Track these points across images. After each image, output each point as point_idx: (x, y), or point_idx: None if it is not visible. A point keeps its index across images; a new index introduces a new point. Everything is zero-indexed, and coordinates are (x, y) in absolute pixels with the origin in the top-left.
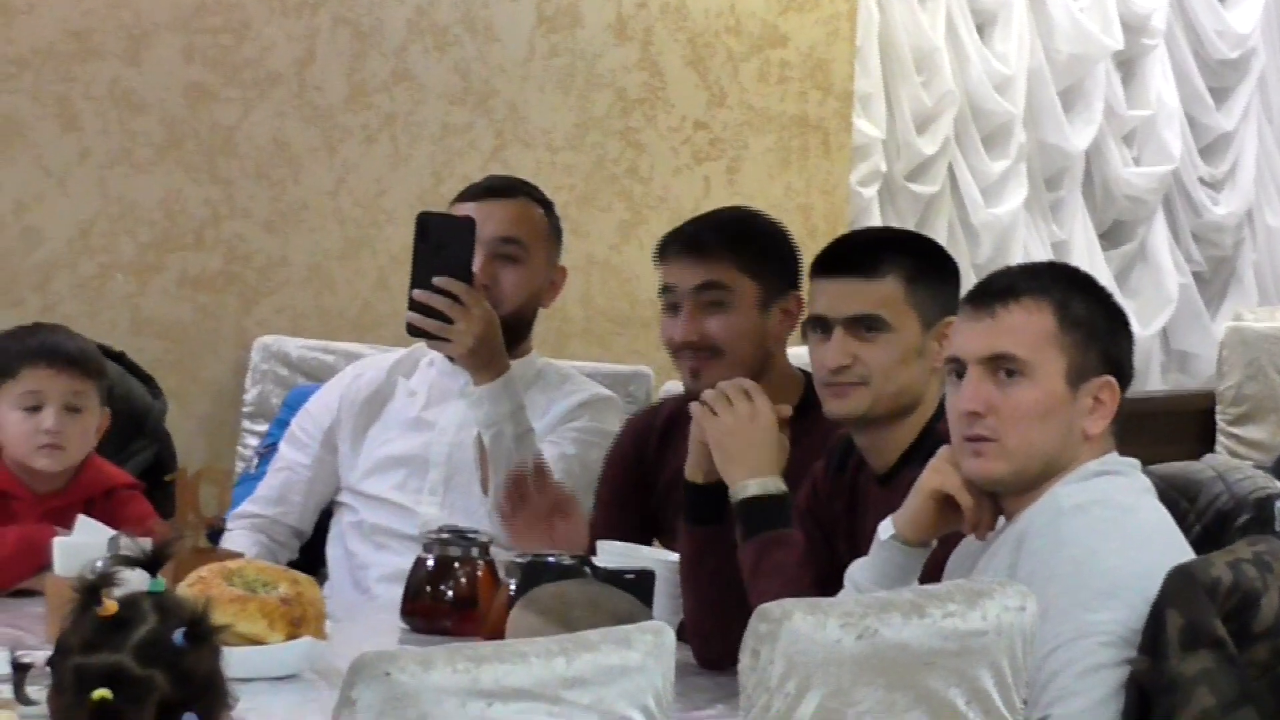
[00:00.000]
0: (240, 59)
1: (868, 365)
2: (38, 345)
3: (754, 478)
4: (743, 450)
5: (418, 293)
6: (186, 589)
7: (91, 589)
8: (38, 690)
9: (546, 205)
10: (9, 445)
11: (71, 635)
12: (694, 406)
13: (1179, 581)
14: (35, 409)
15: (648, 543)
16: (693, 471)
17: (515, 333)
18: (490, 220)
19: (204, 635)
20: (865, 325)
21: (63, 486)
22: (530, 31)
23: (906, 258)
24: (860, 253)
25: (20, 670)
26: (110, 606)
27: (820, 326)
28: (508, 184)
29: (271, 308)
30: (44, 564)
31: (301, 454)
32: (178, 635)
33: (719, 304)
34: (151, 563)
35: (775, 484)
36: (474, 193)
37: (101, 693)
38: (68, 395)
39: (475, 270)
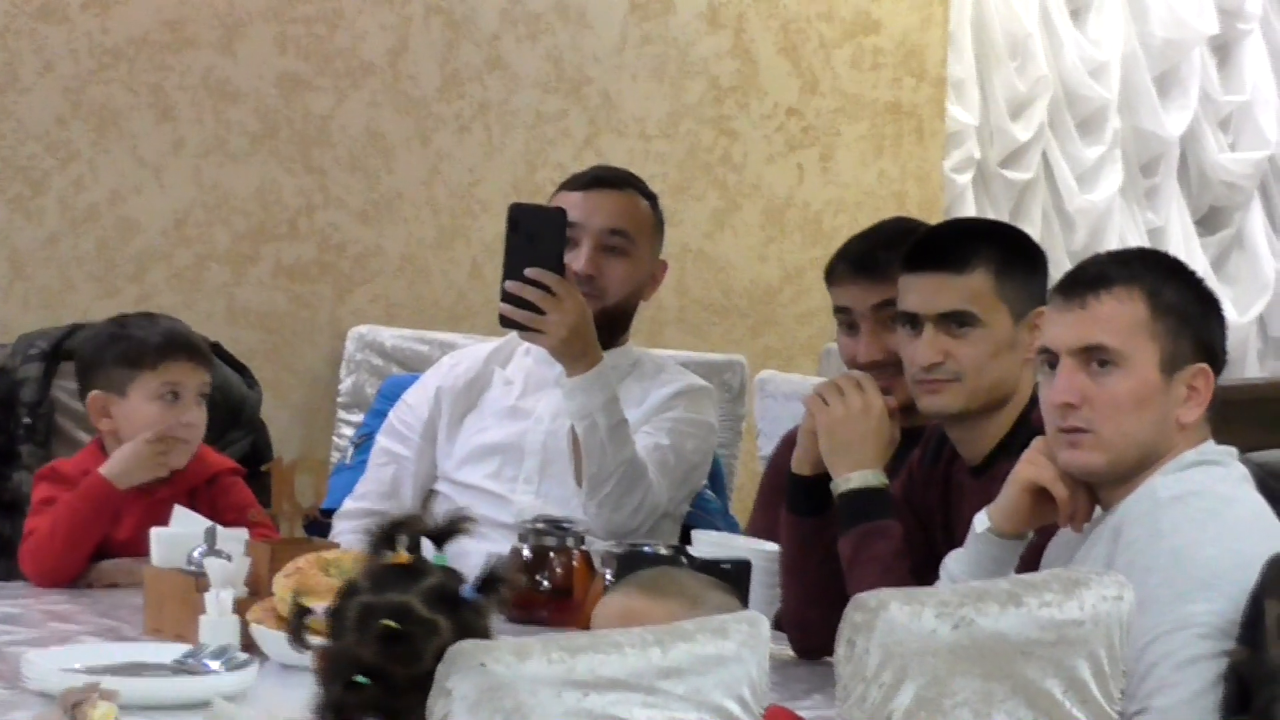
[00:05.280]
0: (333, 49)
1: (960, 362)
2: (170, 337)
3: (856, 470)
4: (849, 442)
5: (509, 284)
6: (283, 579)
7: (386, 537)
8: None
9: (651, 198)
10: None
11: (362, 579)
12: (806, 398)
13: (1278, 571)
14: (169, 400)
15: None
16: (799, 463)
17: (617, 325)
18: (599, 211)
19: (493, 589)
20: (956, 321)
21: (166, 477)
22: (623, 19)
23: (994, 250)
24: (947, 247)
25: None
26: (403, 555)
27: (910, 322)
28: (616, 175)
29: (365, 297)
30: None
31: (404, 446)
32: (468, 588)
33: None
34: (440, 535)
35: (876, 477)
36: (582, 182)
37: (388, 622)
38: (201, 386)
39: (569, 262)
